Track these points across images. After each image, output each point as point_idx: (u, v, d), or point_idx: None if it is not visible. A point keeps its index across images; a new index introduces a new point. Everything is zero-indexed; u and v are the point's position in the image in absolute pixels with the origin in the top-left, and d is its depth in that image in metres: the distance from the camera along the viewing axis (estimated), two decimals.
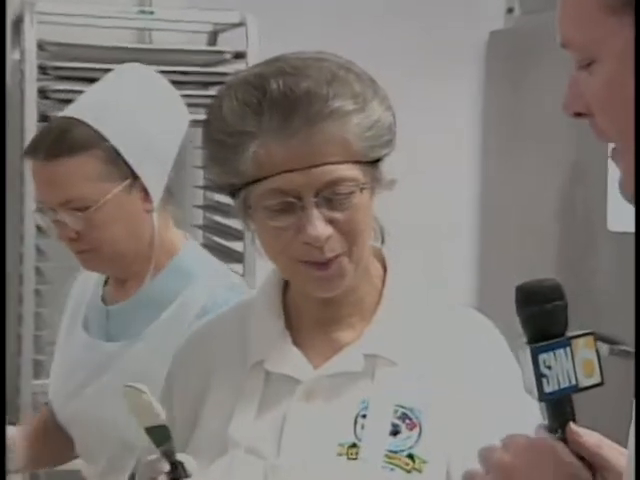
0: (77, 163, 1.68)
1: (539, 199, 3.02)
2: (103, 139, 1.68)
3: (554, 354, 1.05)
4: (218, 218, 2.95)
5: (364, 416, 1.30)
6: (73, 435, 1.85)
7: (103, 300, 1.86)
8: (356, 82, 1.28)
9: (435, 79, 3.23)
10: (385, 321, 1.33)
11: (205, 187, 2.98)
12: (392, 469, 1.28)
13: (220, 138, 1.28)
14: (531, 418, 1.27)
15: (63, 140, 1.68)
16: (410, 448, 1.29)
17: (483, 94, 3.32)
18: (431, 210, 3.24)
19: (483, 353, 1.31)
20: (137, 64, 1.80)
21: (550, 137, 2.95)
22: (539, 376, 1.05)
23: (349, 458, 1.28)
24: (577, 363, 1.05)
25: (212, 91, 2.78)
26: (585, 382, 1.06)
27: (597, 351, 1.07)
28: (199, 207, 3.03)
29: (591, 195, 2.83)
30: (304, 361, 1.34)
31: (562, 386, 1.05)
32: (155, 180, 1.73)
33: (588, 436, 1.07)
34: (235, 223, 2.73)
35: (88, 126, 1.69)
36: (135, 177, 1.70)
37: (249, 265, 2.73)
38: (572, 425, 1.07)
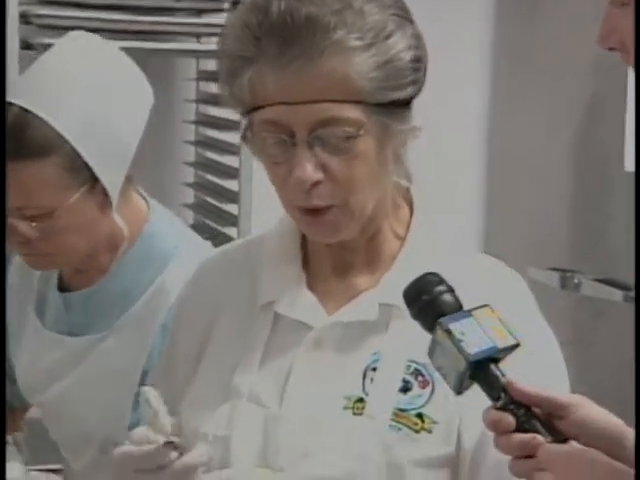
0: (34, 169, 1.60)
1: (552, 139, 2.99)
2: (63, 141, 1.60)
3: (461, 323, 1.09)
4: (210, 177, 2.91)
5: (374, 369, 1.27)
6: (53, 434, 1.79)
7: (60, 286, 1.78)
8: (376, 14, 1.21)
9: (444, 13, 3.15)
10: (405, 269, 1.27)
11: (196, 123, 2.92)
12: (399, 428, 1.25)
13: (223, 60, 1.25)
14: (557, 375, 1.27)
15: (20, 140, 1.59)
16: (420, 407, 1.25)
17: (493, 28, 3.25)
18: (439, 152, 3.19)
19: (509, 308, 1.23)
20: (85, 35, 1.68)
21: (564, 74, 2.91)
22: (458, 342, 1.07)
23: (355, 413, 1.26)
24: (486, 329, 1.08)
25: (205, 19, 2.71)
26: (502, 343, 1.09)
27: (500, 319, 1.10)
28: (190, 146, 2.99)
29: (607, 134, 2.78)
30: (317, 306, 1.30)
31: (482, 348, 1.08)
32: (116, 179, 1.65)
33: (531, 386, 1.08)
34: (228, 184, 2.71)
35: (46, 124, 1.59)
36: (94, 179, 1.62)
37: (244, 230, 2.68)
38: (510, 381, 1.07)
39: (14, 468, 1.81)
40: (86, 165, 1.60)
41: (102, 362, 1.69)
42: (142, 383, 1.62)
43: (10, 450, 1.93)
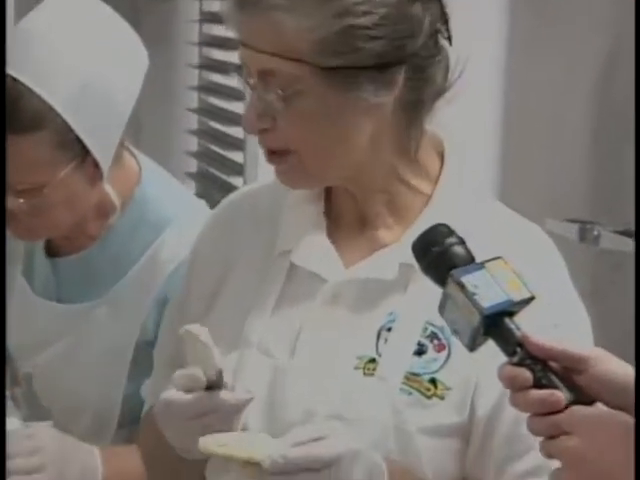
0: (23, 145, 1.54)
1: (571, 89, 2.95)
2: (53, 114, 1.53)
3: (474, 276, 1.06)
4: (214, 124, 2.88)
5: (389, 330, 1.24)
6: (46, 402, 1.73)
7: (48, 250, 1.72)
8: None
9: None
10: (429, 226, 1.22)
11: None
12: (410, 393, 1.22)
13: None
14: (577, 329, 1.24)
15: (11, 114, 1.53)
16: (434, 372, 1.23)
17: None
18: (453, 102, 3.12)
19: (536, 271, 1.20)
20: None
21: (583, 24, 2.85)
22: (472, 296, 1.05)
23: (365, 374, 1.23)
24: (500, 281, 1.06)
25: None
26: (517, 296, 1.06)
27: (514, 271, 1.08)
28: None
29: (627, 85, 2.71)
30: (335, 259, 1.27)
31: (497, 301, 1.05)
32: (108, 150, 1.59)
33: (547, 339, 1.05)
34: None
35: (35, 95, 1.53)
36: (85, 152, 1.56)
37: (250, 179, 2.63)
38: (526, 334, 1.05)
39: (12, 424, 1.72)
40: (77, 139, 1.55)
41: (94, 331, 1.65)
42: (137, 356, 1.60)
43: (8, 405, 1.90)
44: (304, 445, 1.13)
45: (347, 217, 1.29)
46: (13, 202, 1.56)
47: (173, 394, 1.21)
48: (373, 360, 1.23)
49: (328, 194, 1.31)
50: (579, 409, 1.02)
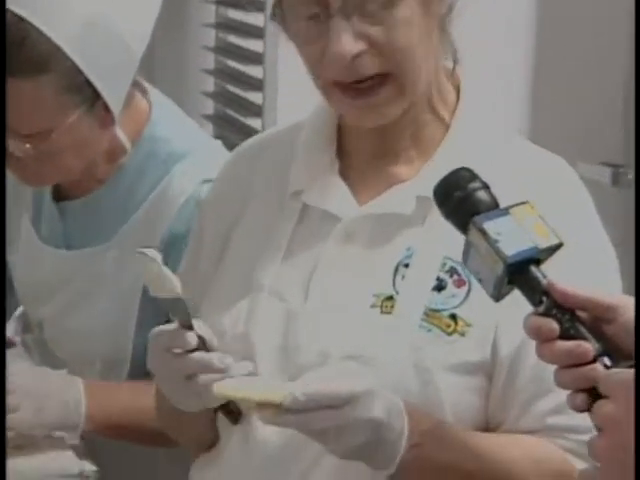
0: (30, 88, 1.49)
1: (606, 23, 2.90)
2: (61, 55, 1.48)
3: (497, 222, 1.04)
4: (231, 62, 2.83)
5: (407, 265, 1.21)
6: (57, 351, 1.71)
7: (55, 195, 1.68)
8: None
9: None
10: (447, 159, 1.21)
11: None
12: (429, 329, 1.20)
13: None
14: (607, 277, 1.22)
15: (16, 55, 1.48)
16: (454, 308, 1.20)
17: None
18: (483, 31, 3.06)
19: (560, 204, 1.19)
20: None
21: None
22: (494, 243, 1.02)
23: (383, 311, 1.21)
24: (526, 228, 1.04)
25: None
26: (544, 243, 1.03)
27: (541, 217, 1.05)
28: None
29: None
30: (348, 196, 1.26)
31: (522, 248, 1.03)
32: (119, 93, 1.54)
33: (574, 287, 1.03)
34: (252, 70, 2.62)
35: (43, 35, 1.47)
36: (95, 95, 1.52)
37: (269, 121, 2.58)
38: (552, 282, 1.02)
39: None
40: (86, 82, 1.51)
41: (102, 276, 1.62)
42: (144, 302, 1.57)
43: (20, 352, 1.88)
44: (323, 383, 1.11)
45: (360, 156, 1.27)
46: (19, 147, 1.52)
47: (158, 355, 1.21)
48: (390, 297, 1.21)
49: (339, 135, 1.29)
50: (615, 373, 0.98)
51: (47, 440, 1.55)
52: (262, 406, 1.11)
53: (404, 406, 1.14)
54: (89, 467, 1.51)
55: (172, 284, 1.20)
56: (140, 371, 1.54)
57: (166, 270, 1.20)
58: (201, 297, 1.29)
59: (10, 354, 1.86)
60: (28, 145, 1.51)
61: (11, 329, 1.92)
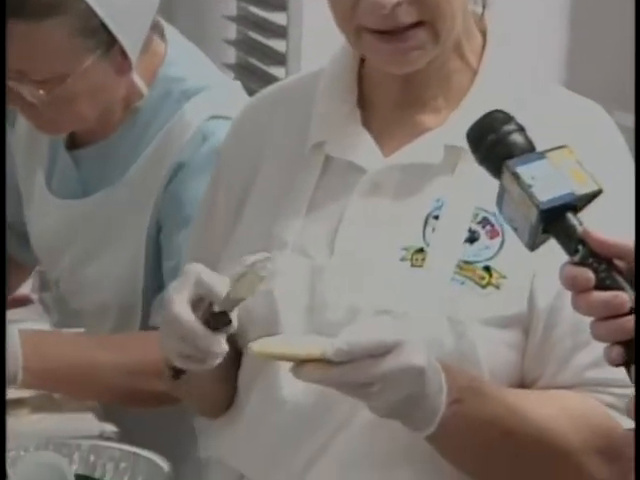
0: (42, 32, 1.47)
1: None
2: None
3: (532, 166, 1.00)
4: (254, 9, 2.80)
5: (437, 217, 1.19)
6: (73, 303, 1.71)
7: (69, 143, 1.66)
8: None
9: None
10: (476, 107, 1.17)
11: None
12: (463, 282, 1.17)
13: None
14: None
15: None
16: (488, 259, 1.18)
17: None
18: None
19: (596, 151, 1.16)
20: None
21: None
22: (528, 188, 0.99)
23: (413, 265, 1.18)
24: (562, 173, 1.00)
25: None
26: (581, 189, 1.00)
27: (579, 162, 1.01)
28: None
29: None
30: (373, 147, 1.23)
31: (557, 194, 0.99)
32: (136, 38, 1.53)
33: (611, 235, 1.00)
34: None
35: None
36: (112, 40, 1.50)
37: (292, 70, 2.54)
38: (589, 230, 0.99)
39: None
40: (102, 25, 1.49)
41: (113, 220, 1.61)
42: (149, 244, 1.55)
43: (38, 311, 1.92)
44: (363, 334, 1.08)
45: (384, 106, 1.24)
46: (33, 93, 1.50)
47: (178, 309, 1.13)
48: (421, 250, 1.18)
49: (360, 83, 1.26)
50: None
51: (66, 401, 1.54)
52: (302, 363, 1.07)
53: (440, 365, 1.12)
54: (110, 428, 1.49)
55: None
56: (147, 320, 1.58)
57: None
58: (218, 255, 1.26)
59: (28, 312, 1.90)
60: (42, 91, 1.49)
61: (28, 287, 1.94)
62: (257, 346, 1.09)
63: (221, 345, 1.12)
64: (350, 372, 1.06)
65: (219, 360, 1.13)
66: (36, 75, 1.49)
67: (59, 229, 1.66)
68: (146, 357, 1.45)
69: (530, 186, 0.99)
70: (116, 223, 1.60)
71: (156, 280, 1.57)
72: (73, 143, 1.66)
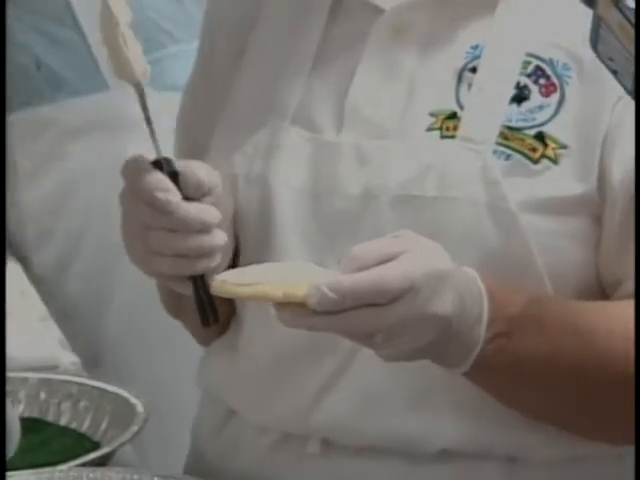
0: None
1: None
2: None
3: None
4: None
5: (473, 70, 1.04)
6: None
7: None
8: None
9: None
10: None
11: None
12: (509, 156, 1.02)
13: None
14: None
15: None
16: (542, 124, 1.03)
17: None
18: None
19: None
20: None
21: None
22: (632, 13, 0.87)
23: (444, 135, 1.04)
24: None
25: None
26: None
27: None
28: None
29: None
30: None
31: None
32: None
33: None
34: None
35: None
36: None
37: None
38: None
39: None
40: None
41: None
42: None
43: None
44: (367, 270, 0.92)
45: None
46: None
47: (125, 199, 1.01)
48: (453, 115, 1.04)
49: None
50: None
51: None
52: (281, 305, 0.91)
53: (484, 287, 0.97)
54: (70, 359, 1.41)
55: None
56: None
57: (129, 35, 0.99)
58: (211, 126, 1.13)
59: None
60: None
61: None
62: (221, 283, 0.91)
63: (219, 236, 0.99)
64: (341, 323, 0.91)
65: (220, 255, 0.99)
66: None
67: None
68: None
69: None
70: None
71: None
72: None
